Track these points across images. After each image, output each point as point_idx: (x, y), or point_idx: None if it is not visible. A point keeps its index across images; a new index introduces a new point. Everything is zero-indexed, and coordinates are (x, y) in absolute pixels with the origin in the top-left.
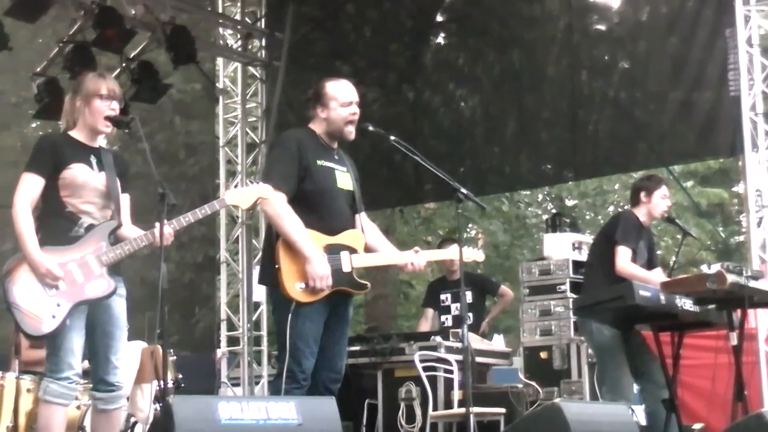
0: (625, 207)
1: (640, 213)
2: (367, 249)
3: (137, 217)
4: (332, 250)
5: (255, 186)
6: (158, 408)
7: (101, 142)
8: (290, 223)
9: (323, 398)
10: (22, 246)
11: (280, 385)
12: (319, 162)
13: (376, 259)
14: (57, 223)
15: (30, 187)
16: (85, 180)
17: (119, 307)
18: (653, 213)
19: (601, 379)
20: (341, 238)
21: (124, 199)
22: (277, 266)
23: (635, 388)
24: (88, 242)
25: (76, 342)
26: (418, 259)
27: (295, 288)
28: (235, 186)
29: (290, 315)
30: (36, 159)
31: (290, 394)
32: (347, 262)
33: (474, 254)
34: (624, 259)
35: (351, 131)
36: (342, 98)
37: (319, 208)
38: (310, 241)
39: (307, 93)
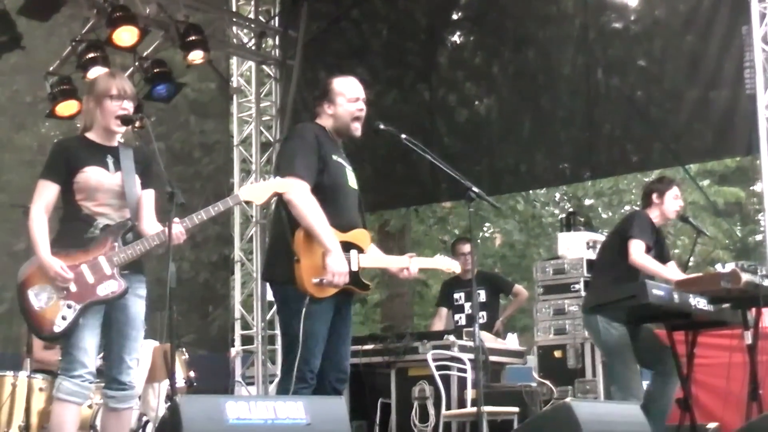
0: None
1: (653, 214)
2: None
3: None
4: (344, 248)
5: (271, 181)
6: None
7: (119, 140)
8: (316, 213)
9: (332, 398)
10: (34, 250)
11: (286, 385)
12: (333, 157)
13: (376, 261)
14: (73, 226)
15: (45, 193)
16: (99, 182)
17: (137, 307)
18: (666, 214)
19: (610, 379)
20: (351, 236)
21: (148, 195)
22: (296, 258)
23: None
24: (101, 243)
25: (89, 341)
26: (412, 265)
27: (311, 282)
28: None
29: (303, 315)
30: (50, 165)
31: (298, 393)
32: (356, 261)
33: (450, 264)
34: (638, 251)
35: (357, 128)
36: (349, 94)
37: (333, 203)
38: (333, 235)
39: (315, 93)
